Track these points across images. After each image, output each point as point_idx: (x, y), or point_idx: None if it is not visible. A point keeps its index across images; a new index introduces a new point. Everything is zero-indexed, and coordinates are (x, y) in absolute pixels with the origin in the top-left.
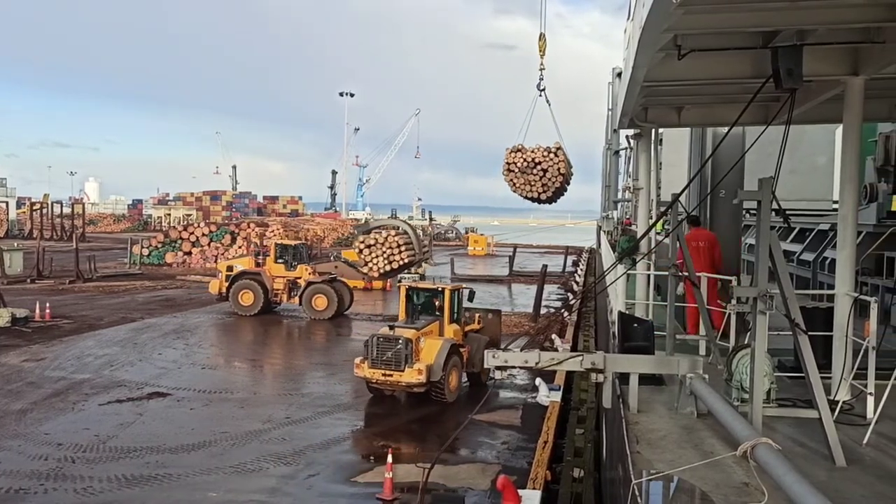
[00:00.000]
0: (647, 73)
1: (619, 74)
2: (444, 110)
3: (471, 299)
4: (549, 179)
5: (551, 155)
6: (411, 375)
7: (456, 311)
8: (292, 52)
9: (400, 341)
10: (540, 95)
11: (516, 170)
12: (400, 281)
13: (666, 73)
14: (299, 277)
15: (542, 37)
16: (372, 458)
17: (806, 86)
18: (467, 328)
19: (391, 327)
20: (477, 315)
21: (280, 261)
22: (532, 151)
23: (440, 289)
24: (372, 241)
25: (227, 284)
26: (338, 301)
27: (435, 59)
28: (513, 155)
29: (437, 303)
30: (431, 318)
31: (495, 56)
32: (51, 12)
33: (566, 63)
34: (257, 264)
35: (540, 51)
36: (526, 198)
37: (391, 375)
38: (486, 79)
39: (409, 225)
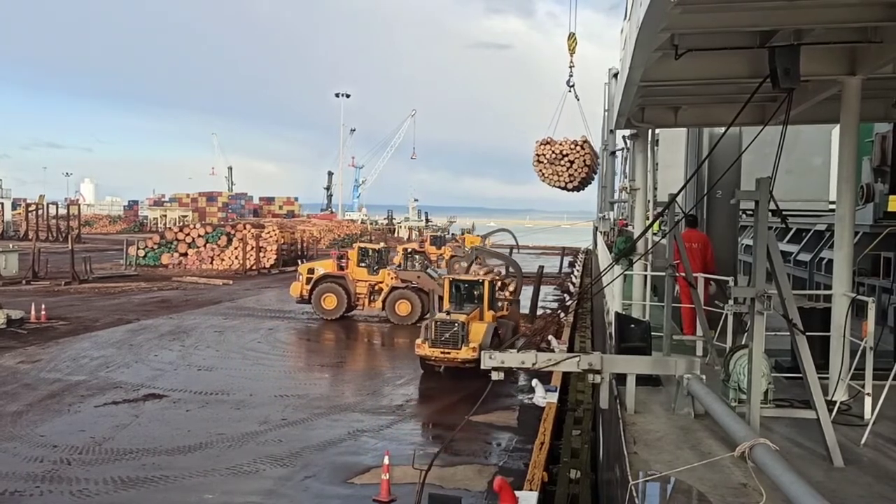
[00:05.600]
0: (644, 73)
1: (616, 75)
2: (438, 110)
3: (502, 288)
4: (576, 170)
5: (578, 147)
6: (467, 353)
7: (492, 299)
8: (286, 52)
9: (456, 324)
10: (569, 91)
11: (545, 161)
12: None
13: (663, 73)
14: (381, 282)
15: (571, 35)
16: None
17: (803, 86)
18: (498, 314)
19: (448, 313)
20: (505, 303)
21: (362, 264)
22: (560, 144)
23: (481, 280)
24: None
25: (308, 287)
26: (421, 308)
27: (428, 59)
28: (542, 147)
29: (476, 292)
30: (473, 305)
31: (489, 56)
32: (40, 11)
33: (560, 63)
34: (340, 268)
35: (569, 49)
36: (554, 186)
37: (449, 353)
38: (481, 78)
39: (514, 262)
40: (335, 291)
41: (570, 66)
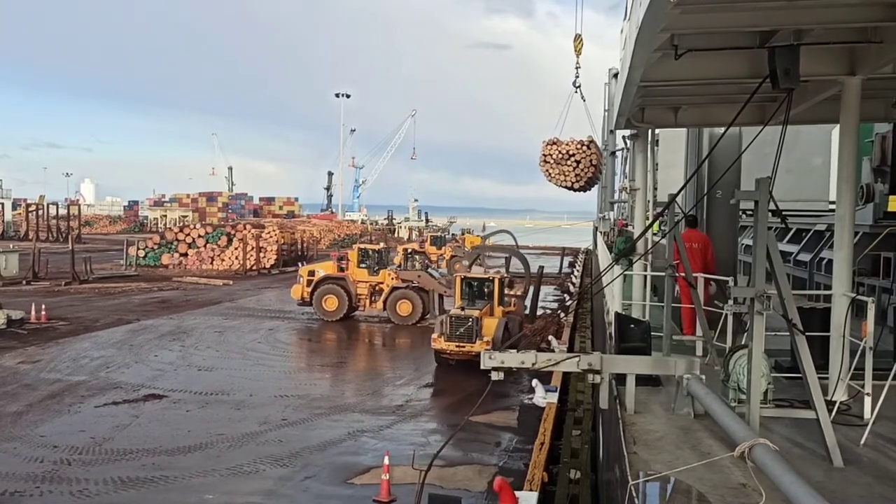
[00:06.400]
0: (644, 74)
1: (616, 75)
2: (438, 110)
3: (510, 287)
4: (582, 170)
5: (584, 147)
6: (481, 346)
7: (501, 296)
8: (286, 52)
9: (471, 320)
10: (576, 92)
11: (551, 161)
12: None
13: (662, 74)
14: (381, 282)
15: (577, 37)
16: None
17: (802, 86)
18: (506, 310)
19: (462, 308)
20: (513, 300)
21: (363, 265)
22: (566, 144)
23: (491, 278)
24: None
25: (309, 290)
26: (422, 307)
27: (428, 59)
28: (548, 147)
29: (486, 289)
30: (483, 302)
31: (489, 56)
32: (41, 11)
33: (560, 62)
34: (340, 269)
35: (575, 50)
36: (561, 186)
37: (464, 346)
38: (481, 78)
39: (522, 256)
40: (336, 293)
41: (577, 68)
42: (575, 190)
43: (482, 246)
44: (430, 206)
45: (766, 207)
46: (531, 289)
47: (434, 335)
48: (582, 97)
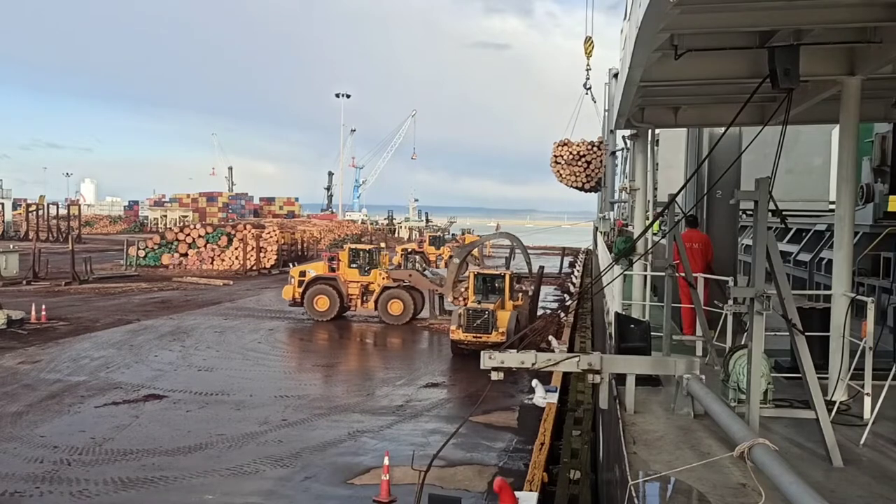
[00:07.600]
0: (644, 74)
1: (616, 75)
2: (438, 110)
3: (519, 281)
4: (593, 170)
5: (594, 149)
6: (496, 337)
7: (512, 290)
8: (286, 52)
9: (486, 312)
10: (586, 93)
11: (563, 162)
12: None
13: (662, 73)
14: (373, 282)
15: (588, 39)
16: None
17: (802, 86)
18: (515, 304)
19: (478, 302)
20: (521, 294)
21: (354, 265)
22: (577, 145)
23: (502, 274)
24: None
25: (300, 290)
26: (413, 307)
27: (428, 59)
28: (559, 149)
29: (497, 285)
30: (496, 296)
31: (488, 55)
32: (41, 11)
33: (559, 62)
34: (331, 269)
35: (586, 52)
36: (571, 187)
37: (480, 337)
38: (480, 78)
39: (522, 244)
40: (327, 293)
41: (587, 69)
42: (586, 190)
43: (477, 242)
44: (431, 206)
45: (766, 207)
46: (532, 268)
47: (452, 327)
48: (593, 99)
